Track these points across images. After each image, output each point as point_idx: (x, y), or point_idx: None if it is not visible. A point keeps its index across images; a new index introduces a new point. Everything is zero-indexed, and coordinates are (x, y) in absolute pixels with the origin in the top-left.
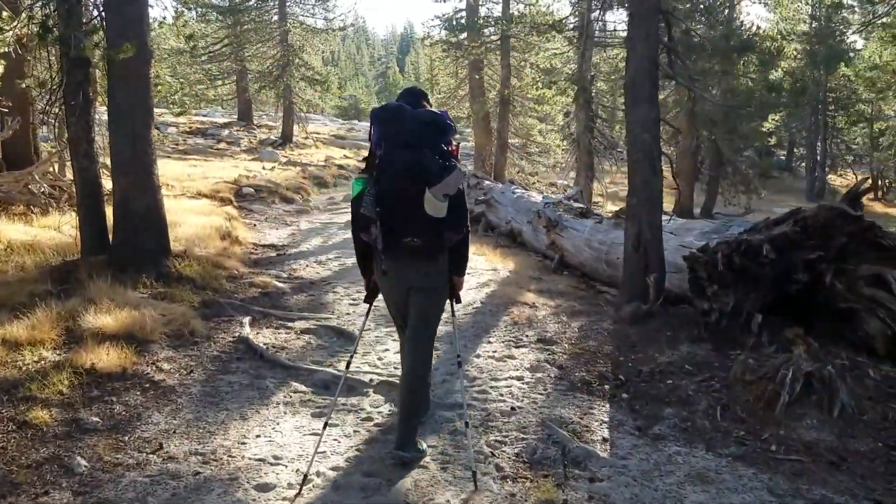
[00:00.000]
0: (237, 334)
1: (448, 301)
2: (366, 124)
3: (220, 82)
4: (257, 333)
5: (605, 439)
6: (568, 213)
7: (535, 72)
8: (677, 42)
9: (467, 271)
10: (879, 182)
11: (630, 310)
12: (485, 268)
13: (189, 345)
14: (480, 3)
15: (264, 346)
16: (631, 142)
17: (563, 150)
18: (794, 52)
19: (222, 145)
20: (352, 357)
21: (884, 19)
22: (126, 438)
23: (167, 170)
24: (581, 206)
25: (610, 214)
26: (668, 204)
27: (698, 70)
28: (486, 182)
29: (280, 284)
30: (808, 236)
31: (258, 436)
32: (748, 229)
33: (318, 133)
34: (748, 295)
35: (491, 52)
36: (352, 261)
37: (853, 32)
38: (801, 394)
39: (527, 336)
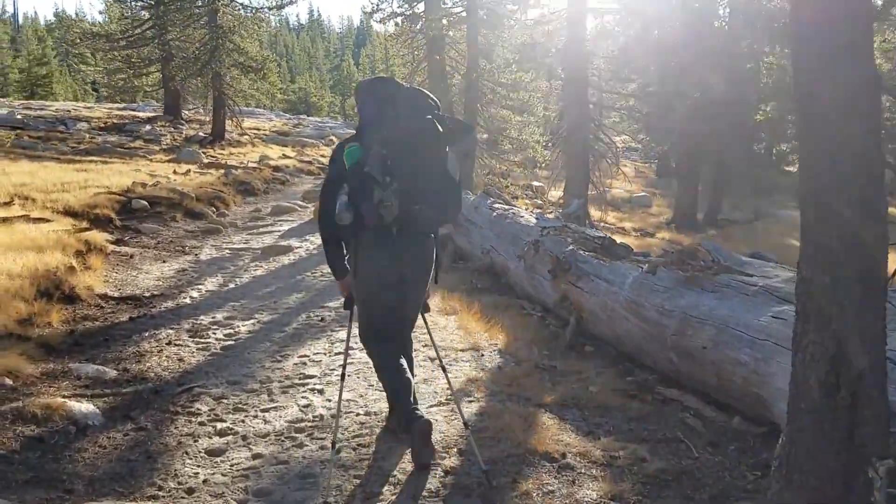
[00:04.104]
0: None
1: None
2: (315, 119)
3: (143, 71)
4: None
5: None
6: (583, 248)
7: (509, 51)
8: None
9: (427, 357)
10: None
11: None
12: (460, 345)
13: None
14: None
15: None
16: (811, 171)
17: (543, 146)
18: None
19: (137, 143)
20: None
21: None
22: None
23: (37, 178)
24: (600, 235)
25: (660, 255)
26: (668, 209)
27: None
28: None
29: (84, 408)
30: None
31: None
32: None
33: (257, 129)
34: None
35: (454, 27)
36: (259, 326)
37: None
38: None
39: None
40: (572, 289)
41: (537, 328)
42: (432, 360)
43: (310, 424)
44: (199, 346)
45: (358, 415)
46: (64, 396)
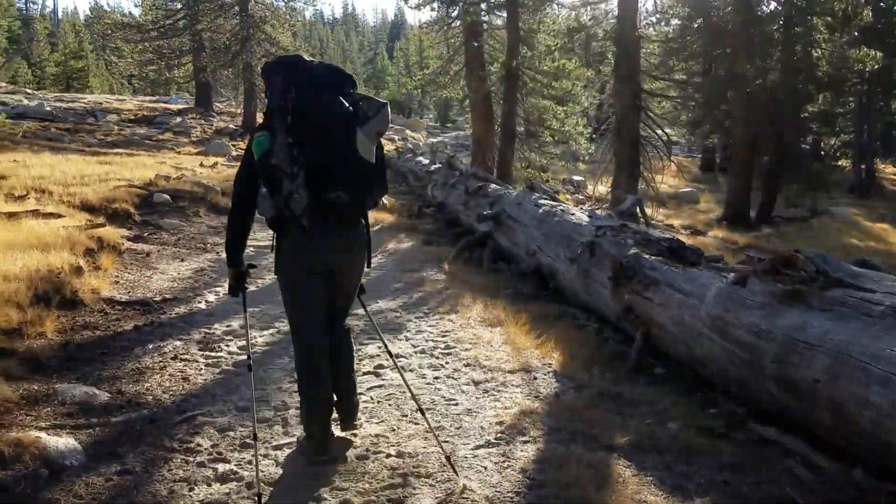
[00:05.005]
0: None
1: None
2: None
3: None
4: None
5: None
6: (647, 251)
7: (552, 36)
8: None
9: (471, 380)
10: None
11: None
12: (508, 365)
13: None
14: None
15: None
16: None
17: (587, 138)
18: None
19: (167, 136)
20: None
21: None
22: None
23: (57, 170)
24: (666, 236)
25: (744, 261)
26: (716, 205)
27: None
28: (492, 186)
29: (62, 444)
30: None
31: None
32: None
33: None
34: None
35: (494, 12)
36: (278, 337)
37: None
38: None
39: None
40: (639, 299)
41: (595, 344)
42: (476, 383)
43: (330, 469)
44: (209, 361)
45: (389, 456)
46: (41, 428)
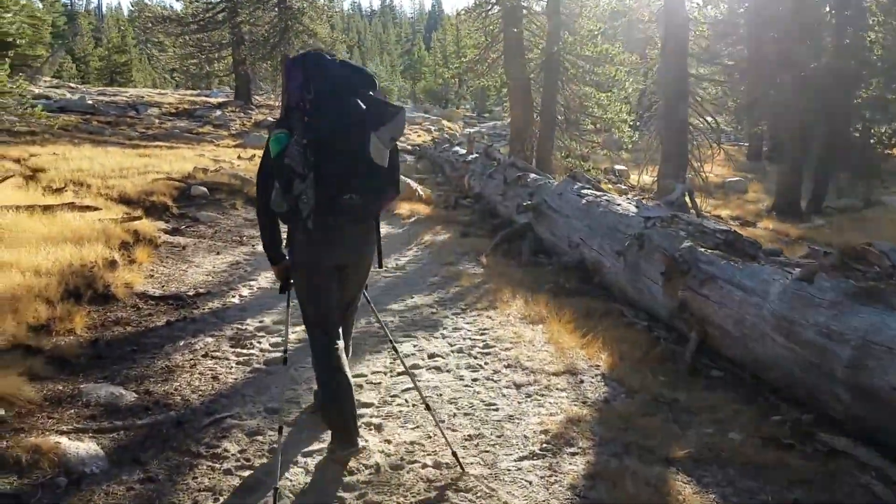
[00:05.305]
0: None
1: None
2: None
3: (214, 55)
4: None
5: None
6: (701, 244)
7: (595, 20)
8: None
9: (512, 382)
10: None
11: None
12: (552, 366)
13: None
14: None
15: None
16: None
17: (630, 125)
18: None
19: (206, 129)
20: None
21: None
22: None
23: (96, 163)
24: (722, 228)
25: (807, 255)
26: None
27: None
28: (532, 176)
29: (83, 450)
30: None
31: None
32: None
33: None
34: None
35: None
36: None
37: None
38: None
39: None
40: (694, 296)
41: (646, 343)
42: (518, 386)
43: (362, 480)
44: (240, 359)
45: (425, 466)
46: (62, 432)
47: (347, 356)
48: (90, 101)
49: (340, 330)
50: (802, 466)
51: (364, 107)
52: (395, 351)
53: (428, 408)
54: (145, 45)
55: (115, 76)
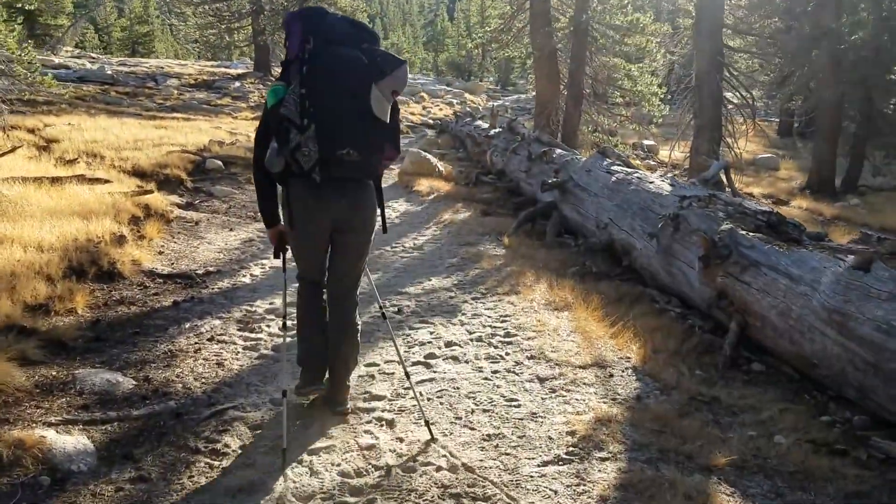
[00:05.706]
0: None
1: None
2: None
3: (234, 25)
4: None
5: None
6: (742, 226)
7: None
8: None
9: (535, 376)
10: None
11: None
12: (578, 359)
13: None
14: None
15: None
16: None
17: (661, 98)
18: None
19: (225, 101)
20: (285, 320)
21: None
22: None
23: (111, 134)
24: (764, 209)
25: (858, 239)
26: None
27: None
28: (558, 152)
29: (71, 444)
30: None
31: None
32: None
33: None
34: None
35: None
36: None
37: None
38: None
39: None
40: (734, 284)
41: (680, 333)
42: (542, 380)
43: (371, 483)
44: (248, 343)
45: (439, 469)
46: (50, 424)
47: (341, 346)
48: (110, 72)
49: (331, 314)
50: (857, 476)
51: (366, 58)
52: (396, 351)
53: (413, 392)
54: (168, 14)
55: (137, 47)
